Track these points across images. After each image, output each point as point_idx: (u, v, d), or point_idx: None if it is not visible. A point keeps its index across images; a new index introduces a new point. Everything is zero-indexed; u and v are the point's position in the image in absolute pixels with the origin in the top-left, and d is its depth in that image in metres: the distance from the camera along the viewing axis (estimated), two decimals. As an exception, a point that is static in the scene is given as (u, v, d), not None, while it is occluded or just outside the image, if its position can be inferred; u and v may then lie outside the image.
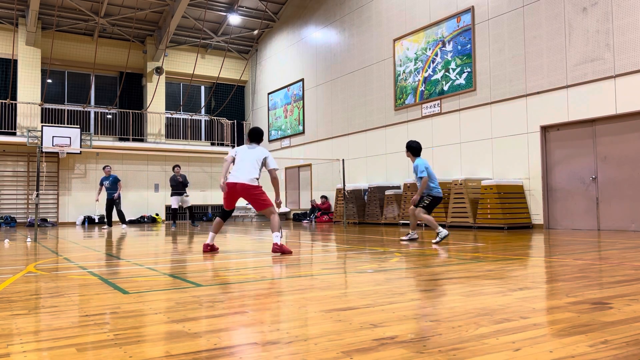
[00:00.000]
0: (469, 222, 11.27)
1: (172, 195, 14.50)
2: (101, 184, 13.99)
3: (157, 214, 20.19)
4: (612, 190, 9.87)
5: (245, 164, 6.19)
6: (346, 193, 14.76)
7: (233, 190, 6.20)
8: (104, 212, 14.61)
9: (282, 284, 3.91)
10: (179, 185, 14.37)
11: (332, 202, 16.78)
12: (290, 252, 6.13)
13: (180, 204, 14.49)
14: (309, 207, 18.09)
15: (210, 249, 6.50)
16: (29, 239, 9.49)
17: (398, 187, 14.21)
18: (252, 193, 6.20)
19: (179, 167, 14.65)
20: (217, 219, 6.58)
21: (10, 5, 17.60)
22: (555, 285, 3.59)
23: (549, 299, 3.09)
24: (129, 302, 3.13)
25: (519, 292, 3.26)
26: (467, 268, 4.55)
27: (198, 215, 21.10)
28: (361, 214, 14.79)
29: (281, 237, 6.31)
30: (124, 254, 6.55)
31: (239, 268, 5.13)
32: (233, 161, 6.32)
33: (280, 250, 6.06)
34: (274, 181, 6.35)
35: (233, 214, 20.39)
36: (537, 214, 10.95)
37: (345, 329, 2.39)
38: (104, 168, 14.25)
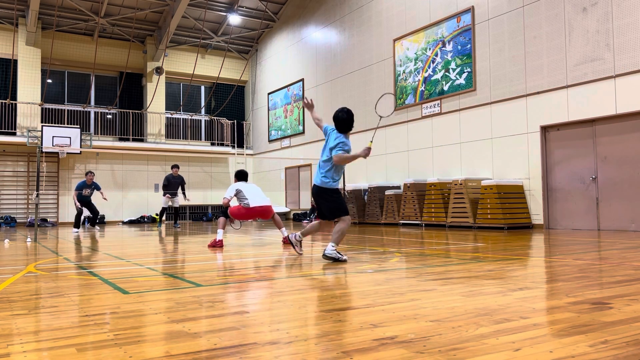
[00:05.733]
0: (469, 222, 11.27)
1: (164, 194, 14.40)
2: (80, 190, 12.85)
3: (157, 214, 20.17)
4: (612, 190, 9.87)
5: None
6: (346, 193, 14.77)
7: None
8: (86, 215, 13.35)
9: (282, 284, 3.91)
10: (174, 185, 14.37)
11: (332, 202, 16.76)
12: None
13: (170, 203, 14.44)
14: (309, 207, 18.09)
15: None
16: (29, 239, 9.48)
17: (398, 187, 14.20)
18: None
19: (177, 168, 14.62)
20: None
21: (10, 5, 17.60)
22: (555, 285, 3.59)
23: (549, 299, 3.09)
24: (129, 302, 3.13)
25: (519, 292, 3.26)
26: (467, 268, 4.55)
27: (198, 215, 21.18)
28: (361, 214, 14.78)
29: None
30: (124, 254, 6.55)
31: (239, 268, 5.14)
32: None
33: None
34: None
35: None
36: (537, 214, 10.95)
37: (345, 329, 2.39)
38: (87, 174, 13.12)
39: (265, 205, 7.81)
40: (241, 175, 8.12)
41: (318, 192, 5.53)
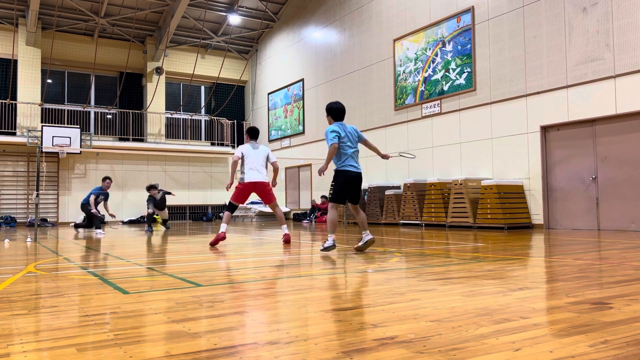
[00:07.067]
0: (469, 222, 11.27)
1: (154, 205, 13.64)
2: (98, 196, 12.25)
3: (156, 214, 20.16)
4: (612, 190, 9.87)
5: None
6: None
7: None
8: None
9: (282, 284, 3.91)
10: (161, 202, 13.80)
11: (332, 202, 16.76)
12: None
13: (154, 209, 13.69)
14: (309, 207, 18.09)
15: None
16: (29, 239, 9.48)
17: (398, 187, 14.21)
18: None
19: (156, 189, 13.71)
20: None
21: (10, 5, 17.60)
22: (555, 285, 3.59)
23: (549, 299, 3.09)
24: (129, 302, 3.13)
25: (519, 292, 3.26)
26: (467, 268, 4.55)
27: (198, 215, 21.21)
28: (361, 214, 14.77)
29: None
30: (124, 254, 6.55)
31: (239, 268, 5.14)
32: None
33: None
34: None
35: (234, 214, 20.44)
36: (537, 214, 10.95)
37: (345, 329, 2.39)
38: (104, 180, 12.49)
39: (259, 181, 7.59)
40: (252, 133, 8.05)
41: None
